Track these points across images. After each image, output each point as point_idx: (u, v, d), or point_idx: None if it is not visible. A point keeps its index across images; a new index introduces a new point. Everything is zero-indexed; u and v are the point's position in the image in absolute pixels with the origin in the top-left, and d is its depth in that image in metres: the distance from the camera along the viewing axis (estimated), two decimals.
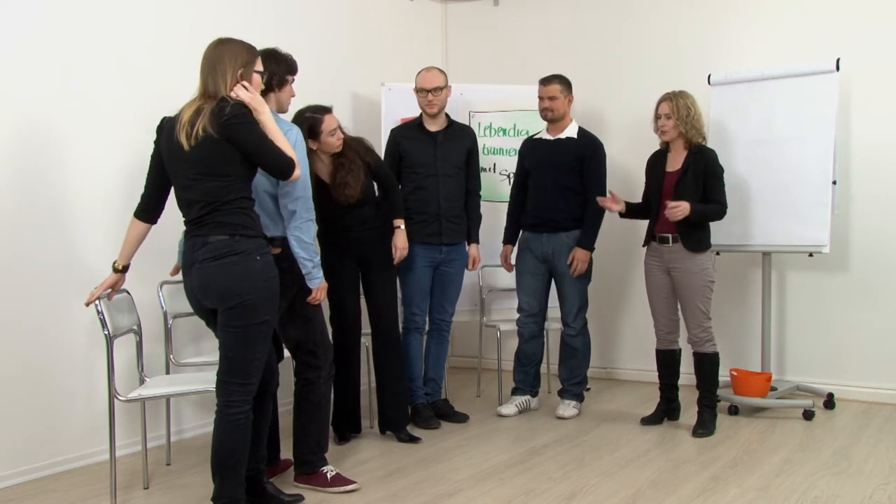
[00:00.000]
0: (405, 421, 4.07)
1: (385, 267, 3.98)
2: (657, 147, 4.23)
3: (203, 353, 4.00)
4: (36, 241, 3.50)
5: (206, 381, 3.17)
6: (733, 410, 4.36)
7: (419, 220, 4.19)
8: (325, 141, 3.68)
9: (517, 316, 4.51)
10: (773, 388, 4.50)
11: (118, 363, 3.31)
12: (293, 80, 3.27)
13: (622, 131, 5.24)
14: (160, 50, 3.95)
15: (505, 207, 4.63)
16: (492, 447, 3.87)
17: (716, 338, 4.07)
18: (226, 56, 2.74)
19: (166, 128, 2.79)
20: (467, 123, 4.87)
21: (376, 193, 3.99)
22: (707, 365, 4.05)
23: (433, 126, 4.29)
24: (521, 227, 4.51)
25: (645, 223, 4.23)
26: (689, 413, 4.17)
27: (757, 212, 4.48)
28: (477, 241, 4.40)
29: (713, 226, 4.09)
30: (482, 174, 4.54)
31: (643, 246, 4.23)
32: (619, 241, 5.19)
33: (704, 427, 3.99)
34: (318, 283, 3.22)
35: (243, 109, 2.69)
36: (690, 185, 3.99)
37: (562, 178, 4.32)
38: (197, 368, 3.71)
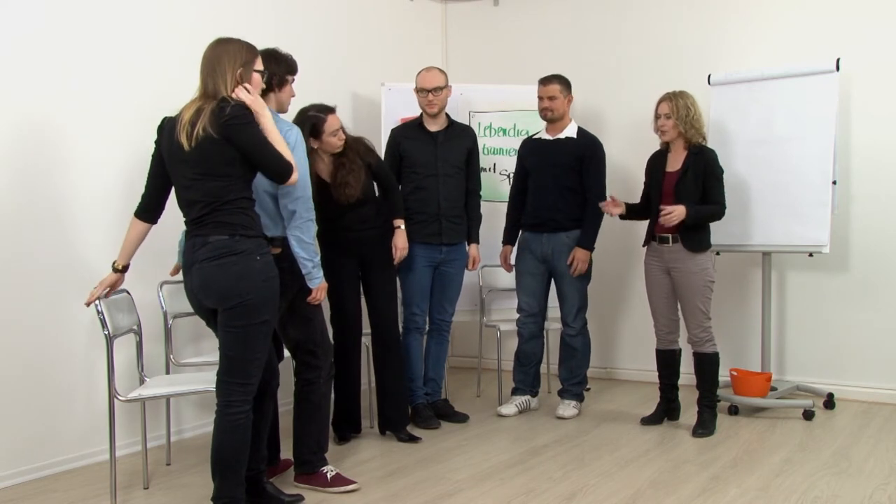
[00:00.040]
0: (405, 421, 4.07)
1: (385, 267, 3.99)
2: (657, 147, 4.23)
3: (203, 353, 4.00)
4: (36, 241, 3.50)
5: (206, 381, 3.17)
6: (733, 410, 4.36)
7: (419, 220, 4.19)
8: (327, 141, 3.68)
9: (517, 316, 4.51)
10: (773, 388, 4.50)
11: (118, 363, 3.31)
12: (293, 80, 3.27)
13: (622, 131, 5.24)
14: (160, 50, 3.95)
15: (505, 207, 4.63)
16: (492, 447, 3.87)
17: (716, 338, 4.07)
18: (225, 56, 2.74)
19: (167, 128, 2.79)
20: (467, 123, 4.87)
21: (377, 194, 3.99)
22: (707, 365, 4.05)
23: (433, 126, 4.29)
24: (521, 227, 4.51)
25: (645, 223, 4.23)
26: (689, 413, 4.17)
27: (757, 212, 4.48)
28: (477, 241, 4.40)
29: (713, 226, 4.09)
30: (482, 174, 4.54)
31: (643, 246, 4.23)
32: (619, 241, 5.19)
33: (704, 427, 3.99)
34: (318, 283, 3.22)
35: (244, 110, 2.69)
36: (690, 186, 3.99)
37: (562, 178, 4.32)
38: (197, 368, 3.71)
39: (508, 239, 4.57)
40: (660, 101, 4.06)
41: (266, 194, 3.07)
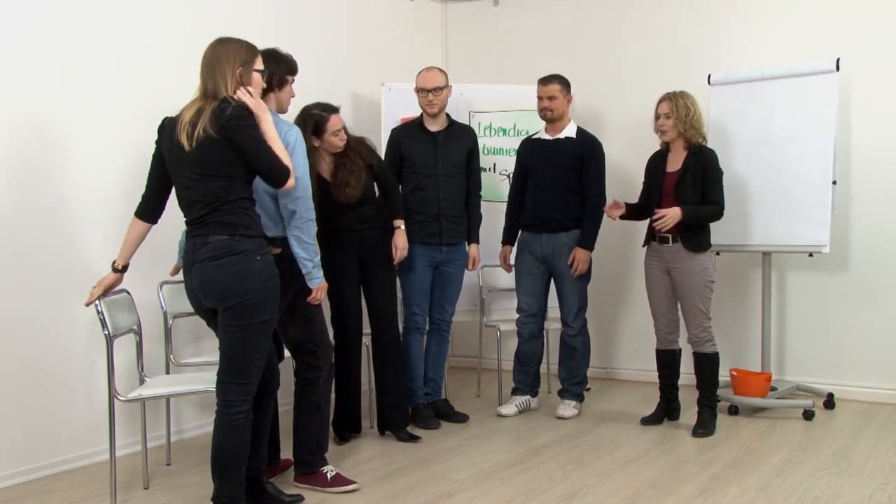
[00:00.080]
0: (406, 421, 4.07)
1: (385, 267, 3.99)
2: (657, 147, 4.23)
3: (203, 353, 4.00)
4: (36, 241, 3.50)
5: (206, 381, 3.17)
6: (733, 410, 4.36)
7: (419, 220, 4.19)
8: (329, 140, 3.69)
9: (517, 316, 4.51)
10: (773, 388, 4.50)
11: (118, 363, 3.31)
12: (293, 80, 3.28)
13: (622, 131, 5.24)
14: (160, 50, 3.95)
15: (505, 207, 4.62)
16: (492, 447, 3.87)
17: (716, 338, 4.07)
18: (224, 56, 2.74)
19: (167, 128, 2.79)
20: (467, 123, 4.87)
21: (377, 194, 3.99)
22: (707, 365, 4.05)
23: (434, 126, 4.29)
24: (520, 227, 4.51)
25: (645, 223, 4.23)
26: (689, 413, 4.17)
27: (757, 212, 4.48)
28: (477, 242, 4.40)
29: (713, 226, 4.09)
30: (482, 174, 4.54)
31: (643, 246, 4.23)
32: (619, 241, 5.19)
33: (704, 427, 3.99)
34: (318, 283, 3.22)
35: (245, 112, 2.69)
36: (690, 186, 3.99)
37: (562, 178, 4.32)
38: (197, 368, 3.71)
39: (508, 239, 4.56)
40: (660, 101, 4.07)
41: (266, 194, 3.07)
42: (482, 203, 4.47)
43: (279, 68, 3.18)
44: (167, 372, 3.74)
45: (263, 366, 2.83)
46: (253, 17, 4.41)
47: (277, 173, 2.73)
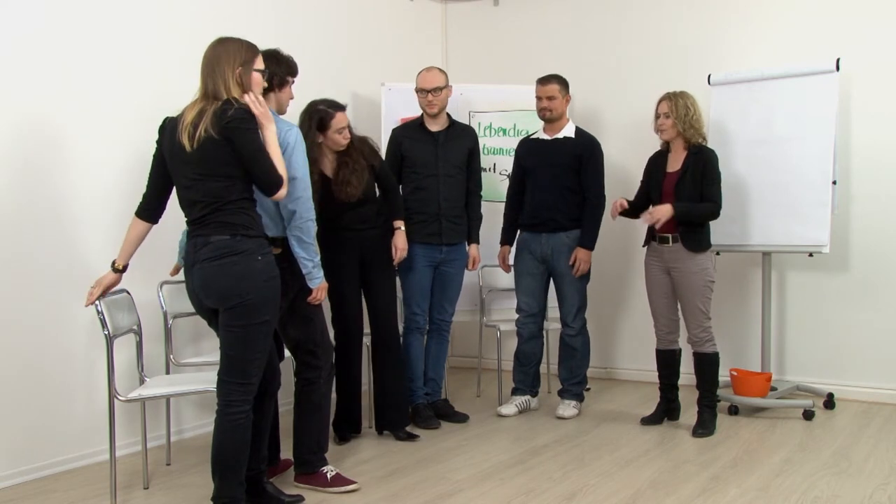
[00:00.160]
0: (405, 421, 4.07)
1: (385, 267, 3.99)
2: (657, 147, 4.23)
3: (203, 353, 4.00)
4: (36, 241, 3.50)
5: (206, 381, 3.17)
6: (733, 410, 4.36)
7: (419, 220, 4.19)
8: (332, 137, 3.70)
9: (516, 316, 4.51)
10: (773, 388, 4.50)
11: (118, 363, 3.31)
12: (293, 81, 3.28)
13: (622, 131, 5.24)
14: (160, 50, 3.95)
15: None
16: (492, 447, 3.87)
17: (716, 338, 4.07)
18: (224, 56, 2.74)
19: (168, 128, 2.79)
20: (467, 123, 4.87)
21: (378, 194, 4.00)
22: (707, 365, 4.05)
23: (434, 126, 4.29)
24: (519, 227, 4.51)
25: (645, 223, 4.23)
26: (689, 413, 4.17)
27: (757, 212, 4.48)
28: (477, 242, 4.40)
29: (713, 225, 4.09)
30: (482, 174, 4.54)
31: (643, 246, 4.23)
32: (619, 241, 5.19)
33: (704, 427, 3.99)
34: (318, 283, 3.22)
35: (246, 114, 2.69)
36: (689, 186, 3.99)
37: (561, 178, 4.32)
38: (197, 368, 3.71)
39: (506, 239, 4.56)
40: (660, 101, 4.07)
41: None
42: (482, 203, 4.47)
43: (280, 69, 3.19)
44: (167, 372, 3.74)
45: (264, 366, 2.83)
46: (253, 17, 4.42)
47: (270, 182, 2.72)
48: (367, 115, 5.09)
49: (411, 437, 3.98)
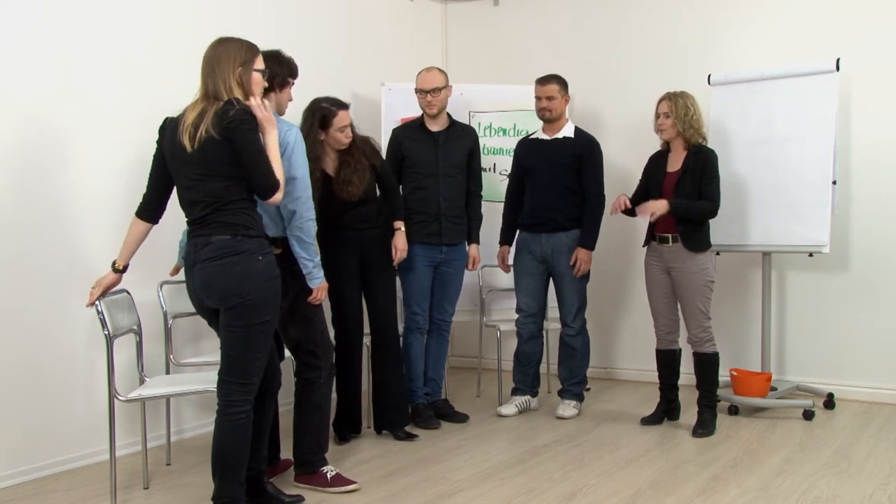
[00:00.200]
0: (405, 421, 4.07)
1: (385, 267, 3.99)
2: (657, 147, 4.23)
3: (203, 353, 4.00)
4: (36, 241, 3.50)
5: (206, 381, 3.17)
6: (733, 410, 4.36)
7: (419, 220, 4.19)
8: (334, 135, 3.70)
9: (516, 316, 4.51)
10: (773, 388, 4.50)
11: (118, 363, 3.31)
12: (293, 83, 3.28)
13: (622, 131, 5.24)
14: (160, 50, 3.95)
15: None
16: (492, 447, 3.87)
17: (716, 338, 4.07)
18: (224, 56, 2.74)
19: (169, 128, 2.79)
20: (467, 123, 4.87)
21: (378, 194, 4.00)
22: (707, 365, 4.05)
23: (435, 126, 4.29)
24: (519, 227, 4.51)
25: (645, 223, 4.23)
26: (689, 413, 4.17)
27: (757, 212, 4.48)
28: (477, 242, 4.40)
29: (713, 226, 4.09)
30: (482, 174, 4.53)
31: (643, 246, 4.23)
32: (619, 241, 5.19)
33: (704, 427, 3.99)
34: (318, 283, 3.22)
35: (248, 115, 2.69)
36: (689, 186, 4.00)
37: (561, 178, 4.32)
38: (197, 368, 3.71)
39: (505, 239, 4.56)
40: (660, 101, 4.08)
41: None
42: (482, 203, 4.47)
43: (282, 70, 3.20)
44: (167, 372, 3.74)
45: (265, 366, 2.83)
46: (253, 17, 4.41)
47: (266, 185, 2.71)
48: (367, 115, 5.08)
49: (410, 437, 3.98)
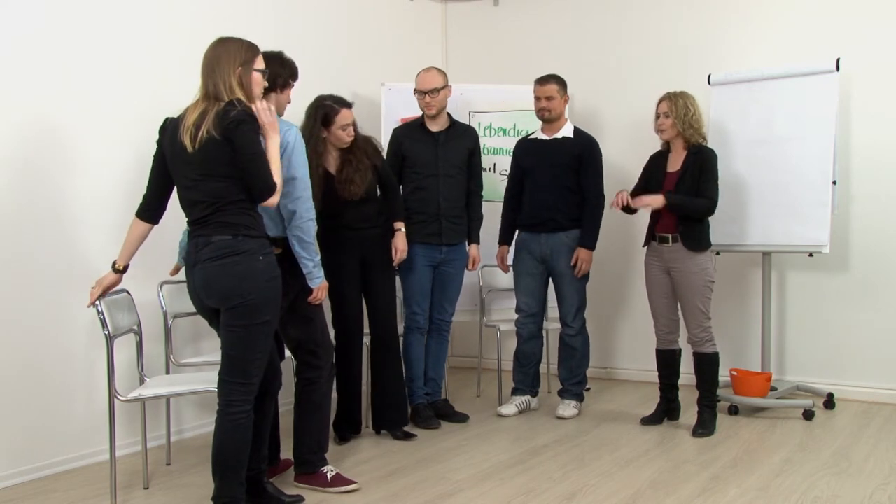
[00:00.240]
0: (404, 421, 4.07)
1: (385, 267, 3.99)
2: (657, 147, 4.23)
3: (203, 353, 4.00)
4: (36, 241, 3.50)
5: (206, 381, 3.17)
6: (733, 410, 4.36)
7: (419, 220, 4.19)
8: (336, 133, 3.70)
9: (516, 316, 4.51)
10: (773, 388, 4.50)
11: (118, 363, 3.31)
12: (293, 85, 3.29)
13: (622, 131, 5.24)
14: (160, 50, 3.95)
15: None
16: (492, 447, 3.87)
17: (716, 338, 4.07)
18: (224, 56, 2.74)
19: (169, 128, 2.79)
20: (468, 123, 4.87)
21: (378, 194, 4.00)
22: (707, 365, 4.05)
23: (435, 126, 4.29)
24: (518, 227, 4.51)
25: (645, 223, 4.23)
26: (689, 413, 4.17)
27: (757, 212, 4.48)
28: (477, 242, 4.40)
29: (713, 225, 4.09)
30: (482, 174, 4.53)
31: (643, 246, 4.23)
32: (619, 241, 5.19)
33: (704, 427, 3.99)
34: (318, 283, 3.22)
35: (249, 116, 2.69)
36: (689, 186, 4.00)
37: (560, 178, 4.32)
38: (197, 368, 3.71)
39: (505, 239, 4.56)
40: (660, 101, 4.08)
41: None
42: (482, 203, 4.47)
43: (284, 71, 3.21)
44: (167, 372, 3.74)
45: (265, 366, 2.83)
46: (253, 17, 4.42)
47: (263, 187, 2.70)
48: (367, 115, 5.07)
49: (408, 437, 3.98)
